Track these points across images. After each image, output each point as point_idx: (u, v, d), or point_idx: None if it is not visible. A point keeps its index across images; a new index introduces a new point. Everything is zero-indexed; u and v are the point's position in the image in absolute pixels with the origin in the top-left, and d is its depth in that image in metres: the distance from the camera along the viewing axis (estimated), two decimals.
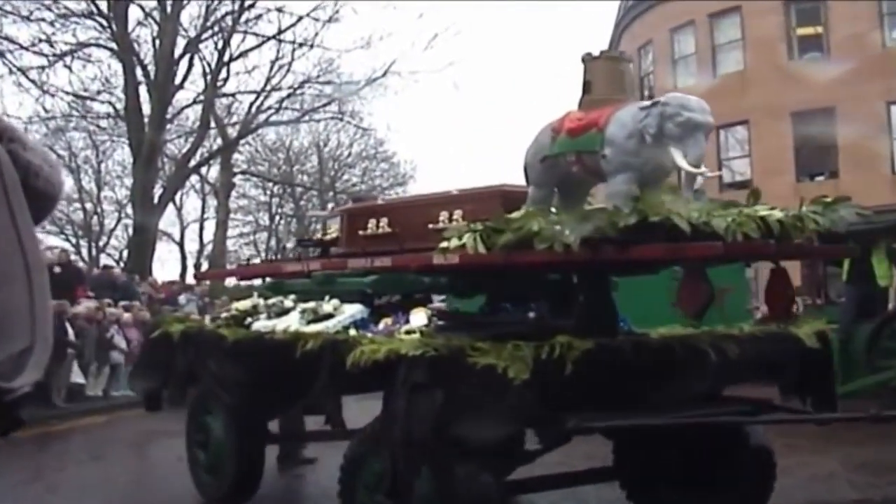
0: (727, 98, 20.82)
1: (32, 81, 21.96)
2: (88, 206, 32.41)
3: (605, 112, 4.16)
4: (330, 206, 32.52)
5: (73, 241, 32.56)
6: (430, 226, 5.18)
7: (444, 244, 4.20)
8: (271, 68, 24.42)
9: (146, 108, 22.25)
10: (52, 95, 22.85)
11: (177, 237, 34.07)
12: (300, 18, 23.34)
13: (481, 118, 61.74)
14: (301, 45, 23.84)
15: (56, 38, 21.76)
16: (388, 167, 36.68)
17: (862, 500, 5.86)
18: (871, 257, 9.05)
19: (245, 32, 23.79)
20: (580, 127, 4.22)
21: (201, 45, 23.46)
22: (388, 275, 4.99)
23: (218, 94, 24.68)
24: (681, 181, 4.24)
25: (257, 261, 24.73)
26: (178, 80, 23.06)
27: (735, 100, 21.92)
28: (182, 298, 16.94)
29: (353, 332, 4.54)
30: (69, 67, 22.44)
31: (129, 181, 26.06)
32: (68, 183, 26.43)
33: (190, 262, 34.07)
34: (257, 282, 10.65)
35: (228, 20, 23.32)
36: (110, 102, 23.95)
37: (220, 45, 23.69)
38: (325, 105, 26.09)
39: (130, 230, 25.65)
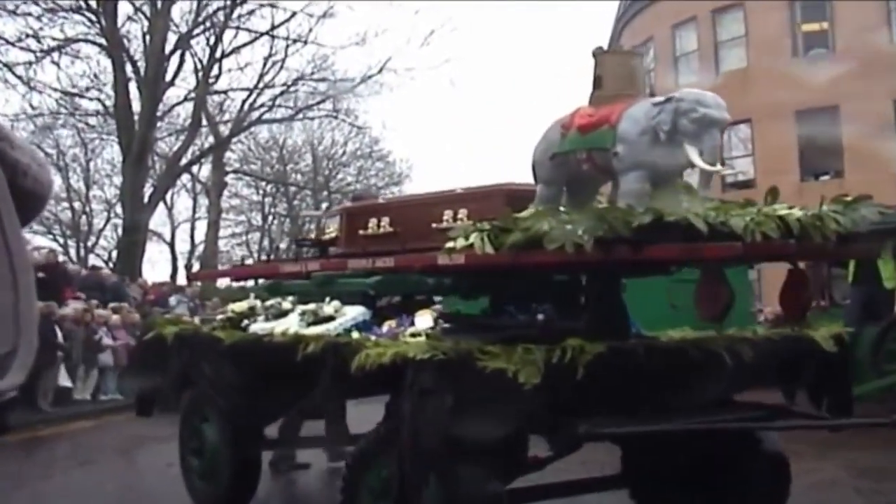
0: (730, 96, 20.51)
1: (19, 77, 21.93)
2: (77, 205, 32.36)
3: (617, 108, 4.12)
4: (324, 205, 32.53)
5: (61, 241, 32.50)
6: (434, 225, 5.15)
7: (450, 244, 4.15)
8: (264, 65, 24.48)
9: (136, 106, 22.17)
10: (40, 92, 22.85)
11: (167, 237, 34.03)
12: (294, 14, 23.37)
13: (479, 117, 61.84)
14: (295, 41, 23.89)
15: (43, 34, 21.74)
16: (383, 166, 36.74)
17: None
18: (877, 258, 9.03)
19: (237, 28, 23.82)
20: (591, 123, 4.18)
21: (193, 41, 23.47)
22: (392, 276, 4.94)
23: (210, 92, 24.65)
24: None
25: (250, 261, 24.70)
26: (168, 77, 23.00)
27: (738, 98, 21.85)
28: (172, 300, 16.86)
29: (355, 334, 4.49)
30: (57, 63, 22.44)
31: (118, 180, 26.00)
32: (56, 182, 26.28)
33: (181, 263, 33.96)
34: (250, 283, 10.59)
35: (220, 15, 23.30)
36: (99, 99, 23.98)
37: (211, 41, 23.71)
38: (319, 103, 26.12)
39: (120, 230, 25.59)
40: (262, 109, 25.86)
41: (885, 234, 8.49)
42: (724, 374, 4.10)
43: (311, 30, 23.68)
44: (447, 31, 38.65)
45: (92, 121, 26.01)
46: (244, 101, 25.35)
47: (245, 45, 24.10)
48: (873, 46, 21.01)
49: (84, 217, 32.97)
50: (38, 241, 27.10)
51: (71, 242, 33.15)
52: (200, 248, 32.84)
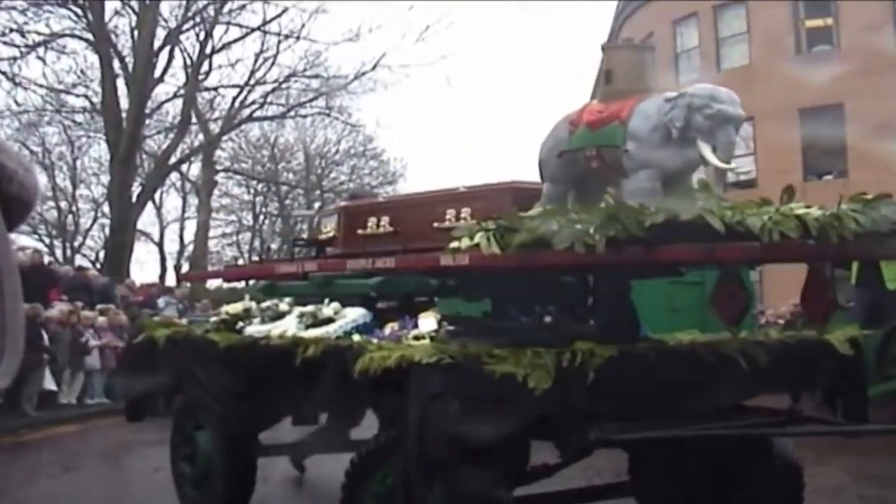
0: None
1: (3, 73, 21.88)
2: (63, 204, 32.24)
3: (628, 104, 4.09)
4: (316, 205, 32.49)
5: (47, 241, 32.35)
6: (436, 224, 5.13)
7: (454, 244, 4.10)
8: (255, 61, 24.44)
9: (124, 103, 22.12)
10: (25, 88, 22.79)
11: (156, 237, 33.97)
12: (286, 9, 23.33)
13: (475, 115, 61.81)
14: (287, 36, 23.84)
15: (28, 28, 21.63)
16: (377, 165, 36.71)
17: None
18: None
19: (228, 23, 23.77)
20: (600, 120, 4.15)
21: (182, 37, 23.42)
22: (393, 277, 4.89)
23: (200, 88, 24.60)
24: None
25: (241, 262, 24.53)
26: (157, 73, 22.96)
27: (740, 95, 21.67)
28: (161, 301, 16.81)
29: (356, 337, 4.44)
30: (42, 59, 22.35)
31: (105, 179, 25.93)
32: (42, 180, 26.25)
33: (170, 264, 33.94)
34: (240, 284, 10.54)
35: (210, 10, 23.22)
36: (86, 96, 23.91)
37: (201, 36, 23.66)
38: (311, 100, 26.13)
39: (107, 230, 25.47)
40: (254, 107, 25.86)
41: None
42: (738, 378, 4.07)
43: (303, 25, 23.78)
44: (443, 28, 38.80)
45: (79, 118, 25.97)
46: (235, 99, 25.35)
47: (236, 40, 24.09)
48: (879, 43, 21.04)
49: (70, 216, 32.89)
50: (23, 241, 26.93)
51: (57, 242, 33.04)
52: (190, 249, 32.77)
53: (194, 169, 31.15)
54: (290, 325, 4.97)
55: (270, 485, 6.68)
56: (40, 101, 24.00)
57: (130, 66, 22.25)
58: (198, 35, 23.63)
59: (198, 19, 23.28)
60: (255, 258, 29.90)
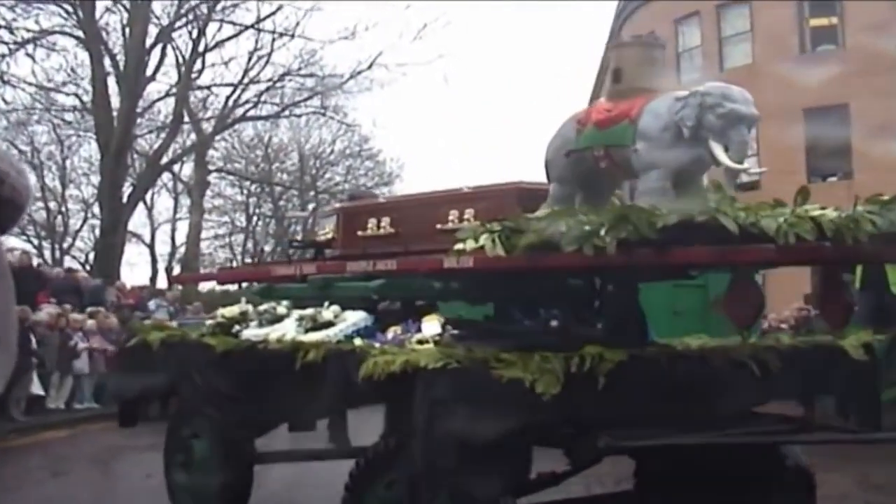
0: None
1: None
2: (52, 205, 32.10)
3: (638, 102, 4.08)
4: (311, 206, 32.42)
5: (36, 242, 32.19)
6: (438, 226, 5.11)
7: (458, 246, 4.08)
8: (249, 59, 24.40)
9: (115, 101, 22.06)
10: (14, 86, 22.71)
11: (147, 239, 33.86)
12: (280, 6, 23.24)
13: (473, 116, 61.83)
14: (281, 34, 23.80)
15: (17, 25, 21.58)
16: (373, 165, 36.67)
17: None
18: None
19: (221, 21, 23.71)
20: (609, 119, 4.13)
21: (174, 34, 23.36)
22: (396, 279, 4.86)
23: (192, 87, 24.54)
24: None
25: (233, 264, 24.41)
26: (149, 72, 22.89)
27: None
28: (152, 304, 16.81)
29: (358, 341, 4.41)
30: (31, 56, 22.29)
31: (96, 179, 25.84)
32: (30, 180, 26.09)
33: (161, 266, 33.83)
34: (233, 287, 10.46)
35: (203, 7, 23.21)
36: (76, 94, 23.86)
37: (194, 34, 23.60)
38: (306, 99, 26.09)
39: (97, 231, 25.43)
40: (247, 106, 25.81)
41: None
42: (750, 383, 4.05)
43: (298, 23, 23.64)
44: (440, 26, 38.73)
45: (68, 117, 25.91)
46: (228, 97, 25.31)
47: (229, 38, 24.05)
48: (885, 42, 21.04)
49: (60, 217, 32.75)
50: (11, 242, 26.87)
51: (46, 244, 32.88)
52: (181, 251, 32.65)
53: (186, 169, 31.09)
54: (288, 329, 4.95)
55: (266, 492, 6.65)
56: (29, 100, 23.98)
57: (121, 64, 22.19)
58: (190, 33, 23.62)
59: (190, 16, 23.24)
60: (249, 260, 29.90)
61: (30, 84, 22.97)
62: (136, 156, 26.29)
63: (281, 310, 5.37)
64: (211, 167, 30.57)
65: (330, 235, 6.11)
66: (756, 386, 4.07)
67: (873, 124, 20.39)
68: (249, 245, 35.91)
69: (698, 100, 3.92)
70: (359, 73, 24.00)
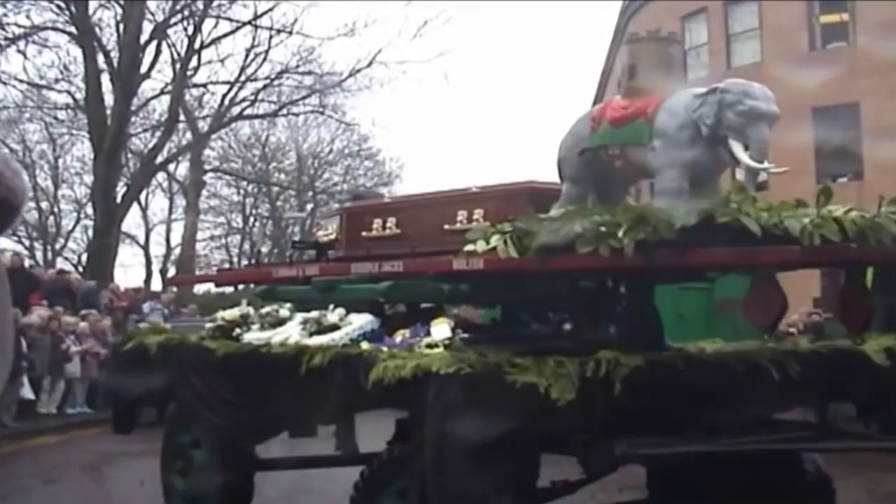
0: None
1: None
2: (44, 205, 32.09)
3: (654, 100, 4.06)
4: (309, 206, 32.42)
5: (27, 243, 32.20)
6: (446, 226, 5.09)
7: (469, 247, 4.05)
8: (246, 57, 24.34)
9: (108, 99, 22.06)
10: (5, 83, 22.68)
11: (141, 240, 33.83)
12: (278, 2, 23.21)
13: (475, 114, 61.83)
14: (279, 31, 23.75)
15: (8, 21, 21.54)
16: (372, 165, 36.67)
17: None
18: None
19: (218, 17, 23.68)
20: (625, 116, 4.11)
21: (170, 31, 23.31)
22: (404, 282, 4.83)
23: (188, 85, 24.51)
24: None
25: (227, 266, 24.34)
26: (143, 69, 22.84)
27: None
28: (146, 307, 16.79)
29: (365, 345, 4.38)
30: (23, 53, 22.24)
31: (89, 178, 25.92)
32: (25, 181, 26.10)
33: (156, 268, 33.82)
34: (230, 290, 10.41)
35: (199, 3, 23.18)
36: (69, 92, 23.80)
37: (190, 30, 23.55)
38: (304, 97, 26.03)
39: (90, 232, 25.43)
40: (244, 104, 25.79)
41: None
42: (769, 389, 4.02)
43: (296, 19, 23.59)
44: (441, 23, 38.74)
45: (61, 115, 25.88)
46: (224, 96, 25.28)
47: (226, 35, 24.00)
48: None
49: (52, 218, 32.76)
50: (2, 243, 26.88)
51: (38, 245, 32.92)
52: (177, 252, 32.68)
53: (182, 169, 31.11)
54: (292, 332, 4.92)
55: (262, 499, 6.61)
56: (21, 97, 23.97)
57: (115, 61, 22.14)
58: (186, 29, 23.58)
59: (186, 13, 23.21)
60: (246, 262, 29.87)
61: (21, 81, 23.00)
62: (130, 155, 26.29)
63: (283, 312, 5.33)
64: (207, 167, 30.59)
65: (333, 236, 6.08)
66: (776, 392, 4.04)
67: (885, 124, 20.36)
68: (246, 247, 35.90)
69: (717, 97, 3.89)
70: (358, 70, 23.99)
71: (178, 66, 23.61)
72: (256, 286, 6.51)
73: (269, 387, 4.75)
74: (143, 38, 22.39)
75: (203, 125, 26.51)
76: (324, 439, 5.77)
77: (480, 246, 4.09)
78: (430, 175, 48.33)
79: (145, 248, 33.81)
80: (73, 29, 21.97)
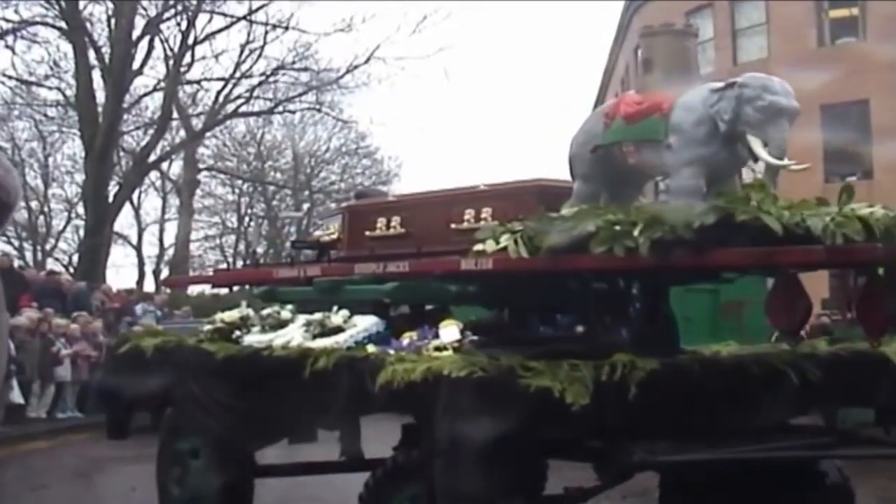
0: None
1: None
2: (34, 204, 32.06)
3: (670, 95, 4.02)
4: (305, 206, 32.43)
5: (17, 243, 32.18)
6: (453, 226, 5.06)
7: (478, 247, 4.03)
8: (241, 53, 24.38)
9: (100, 96, 22.05)
10: None
11: (134, 240, 33.84)
12: None
13: (476, 111, 61.84)
14: (274, 26, 23.80)
15: None
16: (370, 164, 36.69)
17: None
18: None
19: (212, 12, 23.71)
20: (640, 112, 4.08)
21: (162, 26, 23.32)
22: (411, 283, 4.80)
23: (181, 81, 24.53)
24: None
25: (223, 266, 24.27)
26: (136, 65, 22.87)
27: None
28: (139, 309, 16.80)
29: (371, 347, 4.35)
30: (11, 48, 22.27)
31: (80, 177, 25.89)
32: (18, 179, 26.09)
33: (148, 269, 33.81)
34: (224, 291, 10.37)
35: None
36: (59, 89, 23.83)
37: (183, 25, 23.57)
38: (300, 94, 26.08)
39: (81, 232, 25.39)
40: (239, 101, 25.81)
41: None
42: (788, 393, 4.00)
43: (292, 14, 23.72)
44: (440, 18, 38.82)
45: (51, 112, 25.90)
46: (219, 93, 25.31)
47: (220, 30, 24.05)
48: None
49: (42, 217, 32.77)
50: None
51: (27, 245, 32.92)
52: (170, 253, 32.66)
53: (175, 167, 31.13)
54: (294, 335, 4.88)
55: None
56: (9, 94, 24.00)
57: (107, 57, 22.15)
58: (179, 24, 23.59)
59: (179, 8, 23.21)
60: (241, 263, 29.83)
61: (10, 77, 23.04)
62: (122, 153, 26.29)
63: (285, 314, 5.30)
64: (201, 165, 30.61)
65: (335, 236, 6.05)
66: (795, 396, 4.02)
67: (895, 122, 20.34)
68: (241, 247, 35.90)
69: (736, 91, 3.86)
70: (355, 67, 24.04)
71: (171, 62, 23.64)
72: (255, 287, 6.48)
73: (271, 391, 4.71)
74: (136, 33, 22.43)
75: (197, 123, 26.54)
76: (321, 445, 5.77)
77: (490, 245, 4.08)
78: (429, 174, 48.42)
79: (138, 248, 33.86)
80: (63, 24, 21.99)
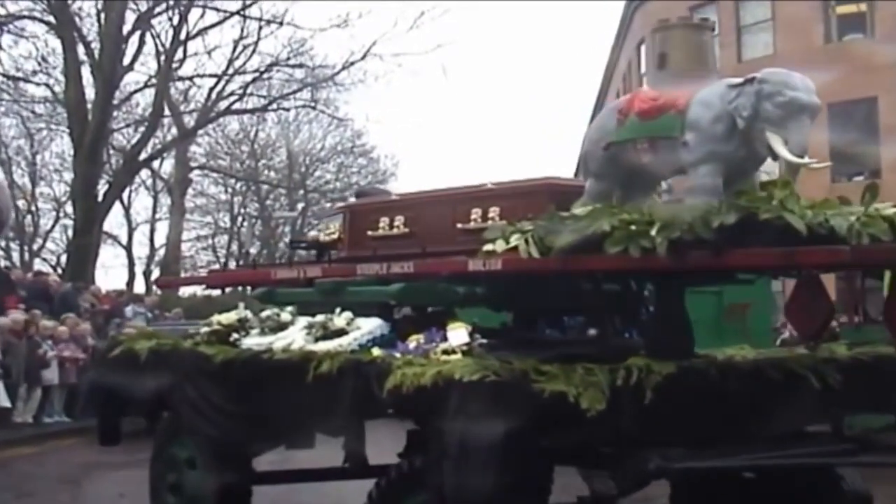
0: None
1: None
2: (21, 203, 31.93)
3: (686, 91, 3.99)
4: (300, 206, 32.40)
5: (3, 243, 32.11)
6: (459, 225, 5.04)
7: (488, 247, 4.01)
8: (234, 49, 24.37)
9: (89, 93, 21.99)
10: None
11: (124, 240, 33.79)
12: None
13: (475, 109, 61.85)
14: (269, 22, 23.76)
15: None
16: (366, 163, 36.72)
17: None
18: None
19: (204, 7, 23.68)
20: (655, 108, 4.06)
21: (154, 21, 23.29)
22: (417, 284, 4.77)
23: (173, 78, 24.49)
24: None
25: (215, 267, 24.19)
26: (126, 61, 22.84)
27: None
28: (129, 310, 16.76)
29: (376, 351, 4.32)
30: None
31: (68, 175, 25.84)
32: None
33: (139, 269, 33.76)
34: (217, 292, 10.30)
35: None
36: (47, 84, 23.80)
37: (175, 20, 23.53)
38: (295, 92, 26.07)
39: (70, 232, 25.33)
40: (232, 98, 25.81)
41: None
42: (807, 399, 3.97)
43: (287, 10, 23.66)
44: (438, 14, 38.90)
45: (39, 109, 25.87)
46: (211, 89, 25.28)
47: (213, 25, 24.03)
48: None
49: (29, 217, 32.67)
50: None
51: (14, 245, 32.83)
52: (161, 253, 32.61)
53: (166, 166, 31.07)
54: (295, 338, 4.85)
55: None
56: None
57: (96, 53, 22.12)
58: (171, 19, 23.58)
59: (171, 2, 23.19)
60: (233, 264, 29.77)
61: None
62: (112, 151, 26.23)
63: (285, 316, 5.26)
64: (193, 164, 30.59)
65: (336, 236, 6.02)
66: (815, 401, 3.99)
67: None
68: (234, 247, 35.87)
69: (755, 87, 3.83)
70: (351, 63, 24.04)
71: (162, 57, 23.62)
72: (252, 288, 6.44)
73: (271, 395, 4.68)
74: (126, 28, 22.44)
75: (189, 120, 26.50)
76: (317, 451, 5.73)
77: (499, 245, 4.06)
78: (426, 173, 48.46)
79: (128, 248, 33.81)
80: (51, 18, 21.97)
